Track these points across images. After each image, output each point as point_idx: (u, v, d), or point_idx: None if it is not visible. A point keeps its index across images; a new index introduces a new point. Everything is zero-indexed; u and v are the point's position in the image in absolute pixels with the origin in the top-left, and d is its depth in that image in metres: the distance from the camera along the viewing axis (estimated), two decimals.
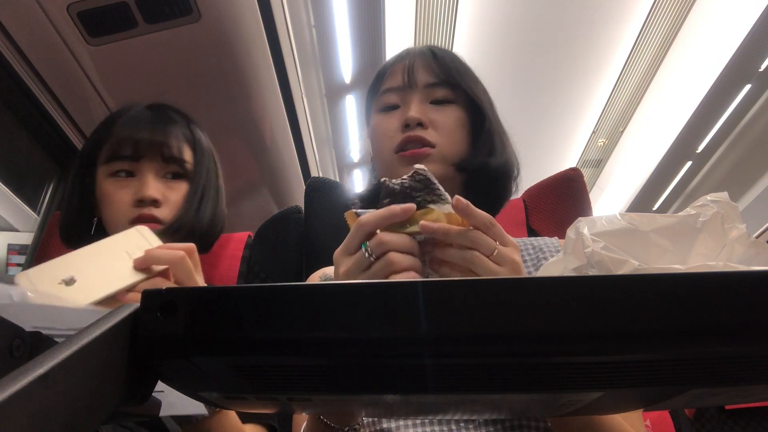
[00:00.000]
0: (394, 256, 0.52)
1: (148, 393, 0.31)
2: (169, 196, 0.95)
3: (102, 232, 0.95)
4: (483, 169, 0.84)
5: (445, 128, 0.83)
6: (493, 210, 0.93)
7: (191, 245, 0.71)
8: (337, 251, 0.57)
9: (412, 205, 0.54)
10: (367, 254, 0.54)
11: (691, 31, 3.90)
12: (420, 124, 0.82)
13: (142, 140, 0.93)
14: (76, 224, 0.97)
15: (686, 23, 3.86)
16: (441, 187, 0.56)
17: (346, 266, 0.55)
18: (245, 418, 0.87)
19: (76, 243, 0.98)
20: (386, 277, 0.53)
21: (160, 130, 0.96)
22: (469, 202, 0.55)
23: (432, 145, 0.81)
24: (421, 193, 0.55)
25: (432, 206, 0.54)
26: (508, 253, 0.55)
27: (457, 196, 0.55)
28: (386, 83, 0.88)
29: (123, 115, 0.98)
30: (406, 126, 0.82)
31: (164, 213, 0.93)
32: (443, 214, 0.54)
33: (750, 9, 3.52)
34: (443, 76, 0.85)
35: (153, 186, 0.93)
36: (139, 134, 0.94)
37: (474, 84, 0.88)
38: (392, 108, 0.86)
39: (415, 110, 0.82)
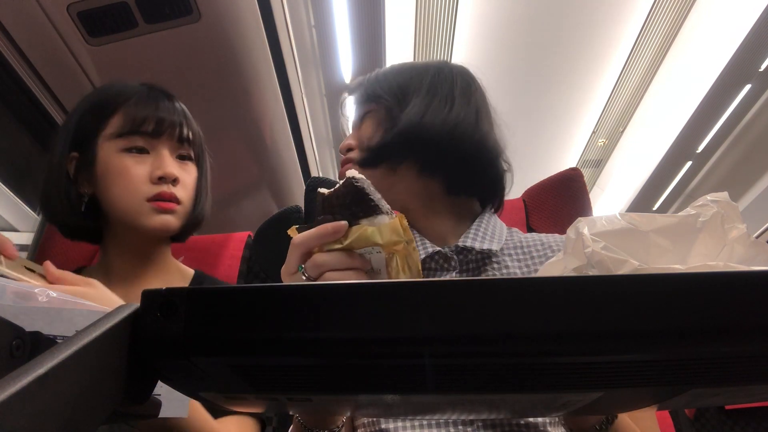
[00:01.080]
0: (332, 276, 0.52)
1: (148, 393, 0.31)
2: (183, 176, 0.95)
3: (96, 208, 0.93)
4: (415, 129, 0.81)
5: (364, 134, 0.88)
6: (494, 195, 0.90)
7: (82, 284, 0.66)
8: (282, 270, 0.57)
9: (343, 224, 0.52)
10: (304, 276, 0.53)
11: (691, 31, 3.89)
12: (349, 149, 0.89)
13: (164, 118, 0.93)
14: (64, 201, 0.92)
15: (686, 23, 3.86)
16: (375, 197, 0.53)
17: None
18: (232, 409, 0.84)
19: (64, 221, 0.94)
20: None
21: (178, 111, 0.96)
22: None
23: (350, 160, 0.88)
24: (355, 207, 0.53)
25: (364, 221, 0.53)
26: None
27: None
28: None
29: (131, 91, 0.96)
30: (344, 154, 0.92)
31: (181, 193, 0.93)
32: (376, 229, 0.52)
33: (750, 9, 3.52)
34: (360, 98, 0.91)
35: (173, 164, 0.92)
36: (160, 112, 0.93)
37: (385, 90, 0.88)
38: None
39: (349, 138, 0.90)
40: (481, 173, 0.86)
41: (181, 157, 0.96)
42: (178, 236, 1.01)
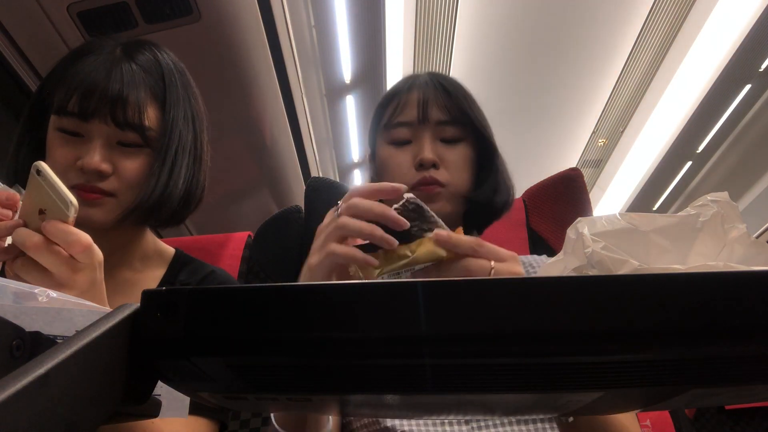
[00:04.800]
0: (346, 220, 0.55)
1: (148, 393, 0.31)
2: (123, 165, 0.78)
3: None
4: (488, 206, 0.89)
5: (455, 167, 0.86)
6: (483, 228, 0.97)
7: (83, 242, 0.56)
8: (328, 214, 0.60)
9: (402, 186, 0.56)
10: (336, 212, 0.57)
11: (691, 31, 3.90)
12: (433, 165, 0.84)
13: (94, 94, 0.75)
14: (25, 171, 0.84)
15: (686, 23, 3.86)
16: (434, 215, 0.57)
17: (325, 220, 0.59)
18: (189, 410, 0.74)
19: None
20: (339, 239, 0.56)
21: (117, 82, 0.76)
22: (449, 233, 0.56)
23: (443, 185, 0.84)
24: (416, 222, 0.55)
25: (428, 235, 0.55)
26: (506, 268, 0.56)
27: (436, 231, 0.55)
28: (399, 116, 0.89)
29: (88, 54, 0.80)
30: (420, 165, 0.84)
31: (114, 185, 0.77)
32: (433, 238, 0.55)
33: (750, 9, 3.53)
34: (455, 114, 0.87)
35: (99, 154, 0.75)
36: (91, 84, 0.75)
37: (482, 119, 0.90)
38: (404, 143, 0.88)
39: (428, 151, 0.84)
40: (494, 220, 0.95)
41: (124, 144, 0.78)
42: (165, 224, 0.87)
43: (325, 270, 0.57)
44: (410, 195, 0.56)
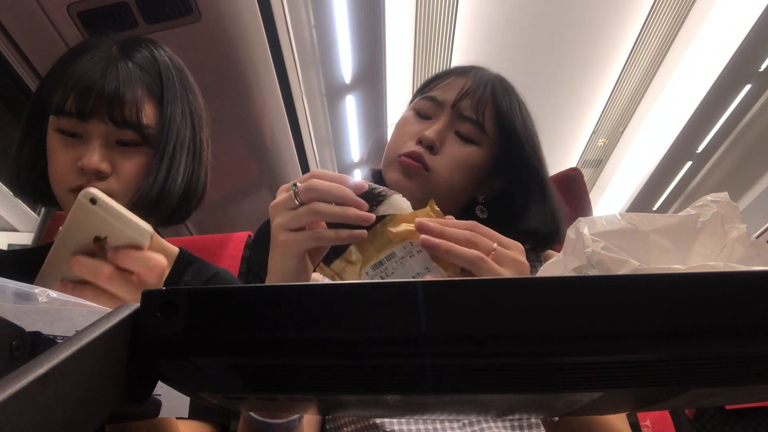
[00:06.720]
0: (319, 206, 0.53)
1: (148, 393, 0.31)
2: (122, 164, 0.77)
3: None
4: (530, 234, 0.83)
5: (452, 162, 0.81)
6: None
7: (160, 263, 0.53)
8: (280, 188, 0.58)
9: (364, 183, 0.54)
10: (295, 198, 0.54)
11: (691, 31, 3.90)
12: (431, 147, 0.80)
13: (90, 94, 0.75)
14: (29, 172, 0.82)
15: (686, 23, 3.86)
16: (378, 186, 0.55)
17: (277, 198, 0.57)
18: (191, 414, 0.72)
19: (30, 194, 0.85)
20: (312, 223, 0.54)
21: (113, 81, 0.76)
22: (438, 222, 0.54)
23: (427, 169, 0.79)
24: (371, 203, 0.54)
25: (381, 207, 0.54)
26: (510, 254, 0.55)
27: (419, 221, 0.53)
28: (434, 90, 0.85)
29: (84, 53, 0.79)
30: (419, 141, 0.80)
31: (113, 185, 0.77)
32: (405, 215, 0.54)
33: (750, 9, 3.53)
34: (483, 119, 0.82)
35: (98, 154, 0.75)
36: (87, 84, 0.75)
37: (526, 140, 0.84)
38: (424, 117, 0.85)
39: (432, 131, 0.80)
40: None
41: (122, 143, 0.78)
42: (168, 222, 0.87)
43: (303, 249, 0.55)
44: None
